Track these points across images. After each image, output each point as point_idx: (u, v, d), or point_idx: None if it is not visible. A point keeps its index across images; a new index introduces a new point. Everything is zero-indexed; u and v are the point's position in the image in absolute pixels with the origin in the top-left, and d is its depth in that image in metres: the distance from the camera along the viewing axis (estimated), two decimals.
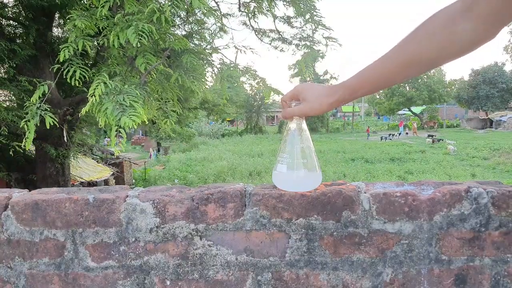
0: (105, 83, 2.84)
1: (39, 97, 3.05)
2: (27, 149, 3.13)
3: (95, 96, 2.76)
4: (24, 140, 2.96)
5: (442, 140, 26.75)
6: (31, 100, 3.03)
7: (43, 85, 3.05)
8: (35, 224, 0.88)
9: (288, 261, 0.87)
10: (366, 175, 16.23)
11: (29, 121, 2.96)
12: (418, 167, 17.44)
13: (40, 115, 2.99)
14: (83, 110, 2.93)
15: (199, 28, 5.57)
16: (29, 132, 2.94)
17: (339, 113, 64.45)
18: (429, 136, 28.03)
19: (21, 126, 2.96)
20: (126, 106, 2.74)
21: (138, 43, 2.84)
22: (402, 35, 0.78)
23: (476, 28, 0.68)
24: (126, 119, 2.65)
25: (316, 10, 4.85)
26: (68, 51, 2.98)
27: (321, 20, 4.90)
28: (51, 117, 3.00)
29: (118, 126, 2.67)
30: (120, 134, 2.71)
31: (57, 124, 3.10)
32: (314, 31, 5.23)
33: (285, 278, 0.87)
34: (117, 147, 2.74)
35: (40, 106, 3.02)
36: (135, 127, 2.74)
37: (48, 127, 3.00)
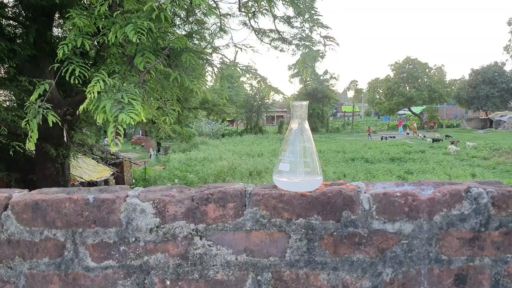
0: (103, 80, 2.83)
1: (39, 96, 3.04)
2: (31, 149, 3.09)
3: (93, 93, 2.75)
4: (27, 140, 2.93)
5: (441, 140, 26.72)
6: (31, 99, 3.01)
7: (43, 84, 3.04)
8: (35, 224, 0.88)
9: (288, 261, 0.87)
10: (366, 175, 16.23)
11: (31, 120, 2.93)
12: (418, 167, 17.44)
13: (42, 114, 2.97)
14: (81, 107, 2.92)
15: (199, 28, 5.57)
16: (32, 132, 2.90)
17: (339, 113, 64.42)
18: (448, 137, 27.32)
19: (22, 125, 2.93)
20: (125, 103, 2.74)
21: (138, 40, 2.82)
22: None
23: None
24: (124, 115, 2.64)
25: (315, 9, 4.84)
26: (67, 48, 2.97)
27: (319, 19, 4.89)
28: (53, 115, 2.98)
29: (115, 123, 2.66)
30: (118, 131, 2.70)
31: (59, 123, 3.08)
32: (311, 30, 5.21)
33: (285, 278, 0.87)
34: (113, 144, 2.73)
35: (41, 104, 3.01)
36: (133, 123, 2.73)
37: (50, 124, 2.97)
